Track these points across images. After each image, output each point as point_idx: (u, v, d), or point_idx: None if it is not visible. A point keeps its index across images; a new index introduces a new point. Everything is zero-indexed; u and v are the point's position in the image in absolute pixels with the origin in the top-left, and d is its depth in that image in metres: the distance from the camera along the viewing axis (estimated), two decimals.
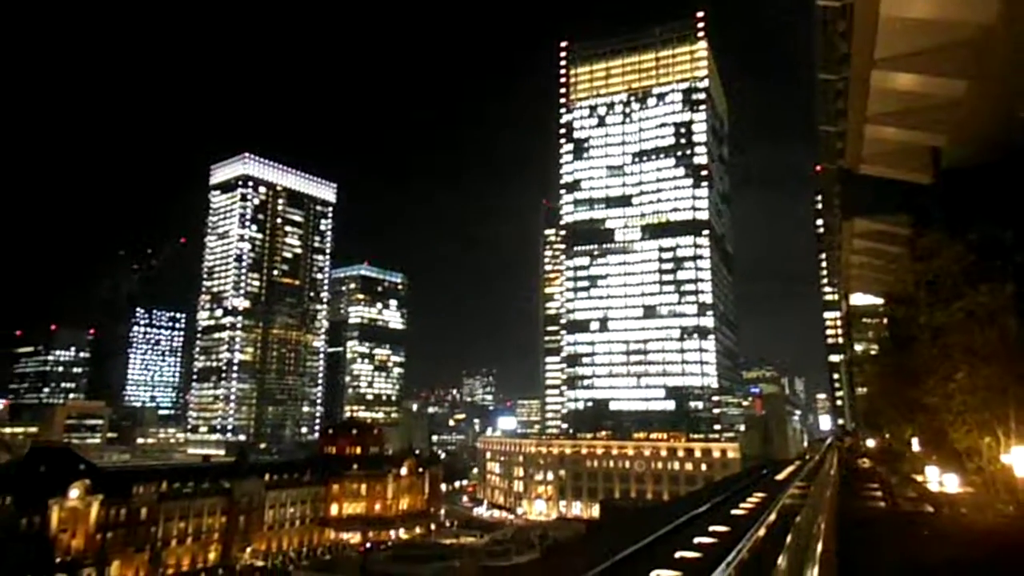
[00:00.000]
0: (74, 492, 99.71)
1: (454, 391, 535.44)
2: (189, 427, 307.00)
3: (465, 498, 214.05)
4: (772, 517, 21.82)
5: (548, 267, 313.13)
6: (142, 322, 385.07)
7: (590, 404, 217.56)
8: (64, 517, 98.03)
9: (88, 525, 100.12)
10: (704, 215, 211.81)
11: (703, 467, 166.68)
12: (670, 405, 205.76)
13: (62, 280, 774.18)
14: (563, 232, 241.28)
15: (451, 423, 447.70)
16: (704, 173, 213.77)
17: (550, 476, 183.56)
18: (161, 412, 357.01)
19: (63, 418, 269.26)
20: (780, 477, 49.98)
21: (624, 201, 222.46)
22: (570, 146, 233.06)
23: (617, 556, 21.65)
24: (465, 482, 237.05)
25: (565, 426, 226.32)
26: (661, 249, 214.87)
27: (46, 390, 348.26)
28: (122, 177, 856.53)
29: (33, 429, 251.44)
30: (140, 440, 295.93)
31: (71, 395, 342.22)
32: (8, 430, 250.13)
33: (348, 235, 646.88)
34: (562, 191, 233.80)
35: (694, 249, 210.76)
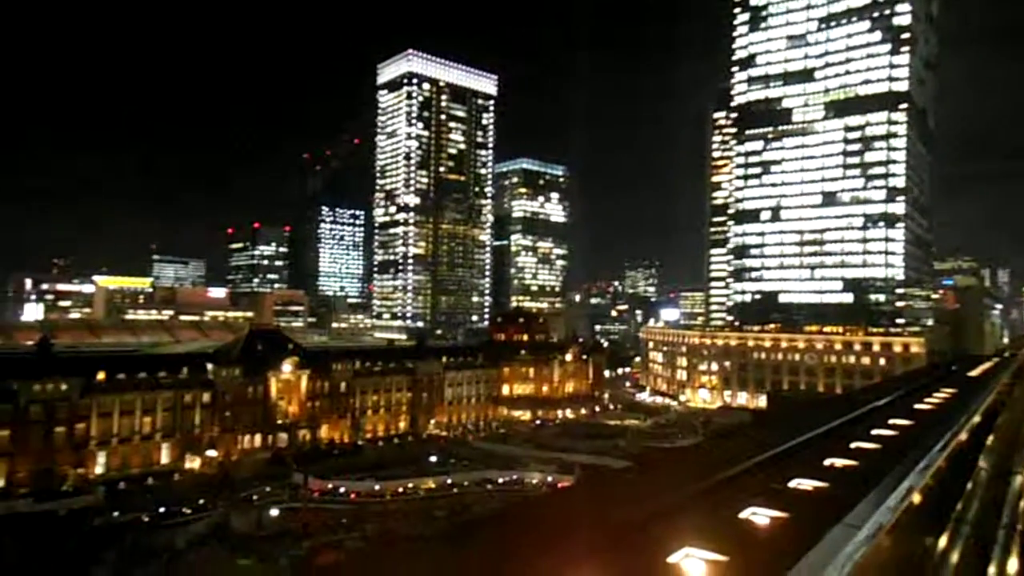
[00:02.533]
0: (286, 367, 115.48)
1: (616, 283, 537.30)
2: (374, 314, 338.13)
3: (628, 384, 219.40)
4: (977, 418, 20.60)
5: (717, 154, 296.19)
6: (327, 219, 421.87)
7: (758, 296, 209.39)
8: (280, 387, 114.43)
9: (300, 394, 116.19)
10: (902, 86, 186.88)
11: (881, 362, 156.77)
12: (847, 298, 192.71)
13: (260, 183, 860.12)
14: (735, 114, 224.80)
15: (613, 313, 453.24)
16: (906, 36, 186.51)
17: (714, 366, 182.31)
18: (350, 300, 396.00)
19: (271, 304, 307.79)
20: (974, 374, 46.22)
21: (805, 75, 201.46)
22: (745, 16, 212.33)
23: (788, 443, 21.80)
24: (628, 370, 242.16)
25: (730, 318, 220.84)
26: (847, 128, 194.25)
27: (255, 280, 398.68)
28: (304, 83, 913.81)
29: (249, 314, 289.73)
30: (334, 325, 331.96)
31: (275, 285, 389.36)
32: (231, 314, 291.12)
33: (509, 129, 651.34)
34: (735, 68, 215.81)
35: (887, 126, 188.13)
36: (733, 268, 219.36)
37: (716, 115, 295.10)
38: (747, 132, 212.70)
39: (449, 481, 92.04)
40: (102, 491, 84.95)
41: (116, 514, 76.26)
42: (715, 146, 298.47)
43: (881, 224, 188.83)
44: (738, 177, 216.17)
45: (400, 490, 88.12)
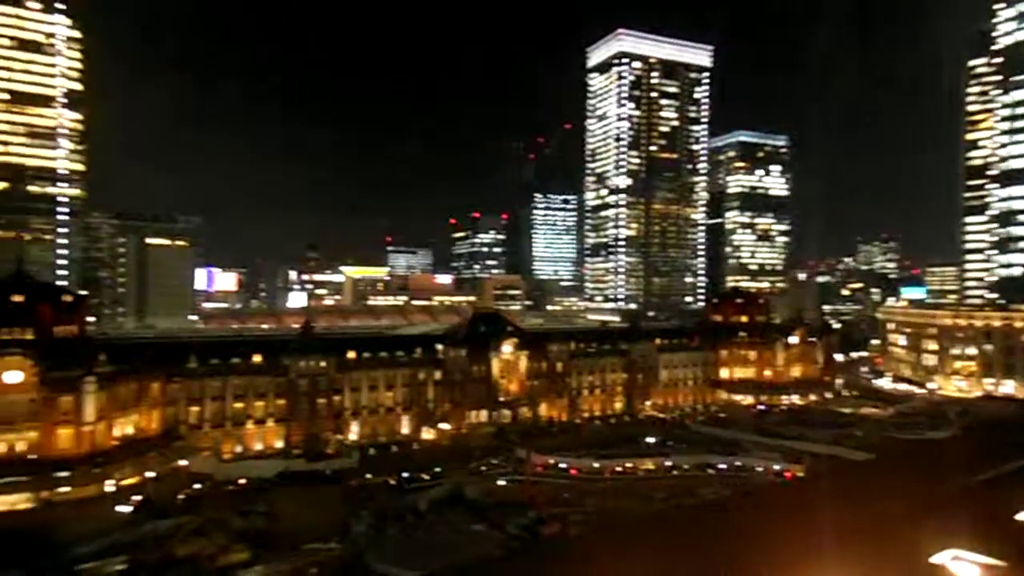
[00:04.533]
0: (507, 348, 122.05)
1: (847, 259, 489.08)
2: (587, 296, 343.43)
3: (864, 369, 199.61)
4: None
5: (973, 107, 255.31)
6: (540, 205, 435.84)
7: None
8: (501, 367, 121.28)
9: (519, 374, 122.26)
10: None
11: None
12: None
13: (481, 173, 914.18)
14: (998, 60, 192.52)
15: (844, 292, 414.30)
16: None
17: (971, 351, 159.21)
18: (563, 283, 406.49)
19: (491, 289, 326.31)
20: None
21: None
22: None
23: None
24: (864, 353, 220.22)
25: (992, 295, 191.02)
26: None
27: (476, 267, 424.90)
28: (519, 74, 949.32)
29: (472, 298, 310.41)
30: (549, 307, 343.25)
31: (494, 270, 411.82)
32: (456, 298, 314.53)
33: (725, 101, 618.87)
34: (999, 5, 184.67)
35: None
36: (997, 238, 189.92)
37: (973, 63, 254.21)
38: (1014, 79, 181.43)
39: (668, 463, 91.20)
40: (356, 455, 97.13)
41: (368, 476, 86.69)
42: (971, 99, 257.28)
43: None
44: (1003, 132, 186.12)
45: (619, 469, 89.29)
